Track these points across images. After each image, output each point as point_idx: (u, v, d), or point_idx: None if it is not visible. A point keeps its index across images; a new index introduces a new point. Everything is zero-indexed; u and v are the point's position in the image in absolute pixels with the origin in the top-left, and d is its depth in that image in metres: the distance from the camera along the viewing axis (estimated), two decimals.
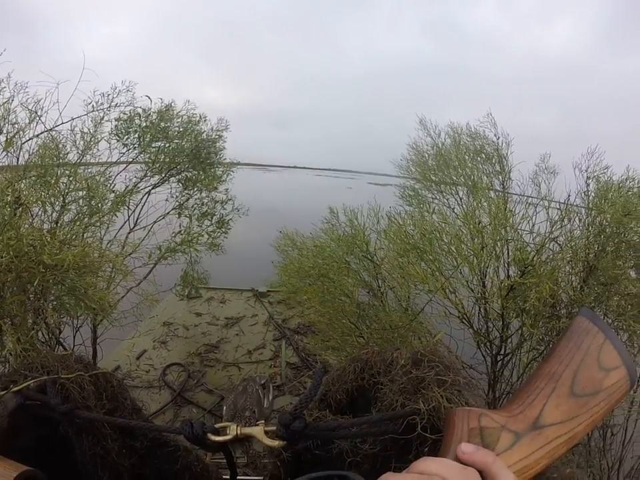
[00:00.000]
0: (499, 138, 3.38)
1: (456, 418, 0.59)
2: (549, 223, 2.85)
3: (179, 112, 4.46)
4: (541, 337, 2.99)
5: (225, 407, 3.65)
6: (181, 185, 4.73)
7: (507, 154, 3.37)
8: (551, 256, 2.84)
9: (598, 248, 2.94)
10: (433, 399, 2.02)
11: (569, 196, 3.09)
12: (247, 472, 3.03)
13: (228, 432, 1.09)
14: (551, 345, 2.52)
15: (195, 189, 4.74)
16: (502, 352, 3.10)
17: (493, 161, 3.37)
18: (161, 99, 4.33)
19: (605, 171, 3.10)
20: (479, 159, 3.38)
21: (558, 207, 3.09)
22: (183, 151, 4.40)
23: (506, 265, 2.98)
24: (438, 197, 3.34)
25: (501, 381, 3.23)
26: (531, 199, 3.29)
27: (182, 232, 4.54)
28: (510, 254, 2.95)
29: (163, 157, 4.34)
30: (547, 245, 2.82)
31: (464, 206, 3.16)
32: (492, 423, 0.58)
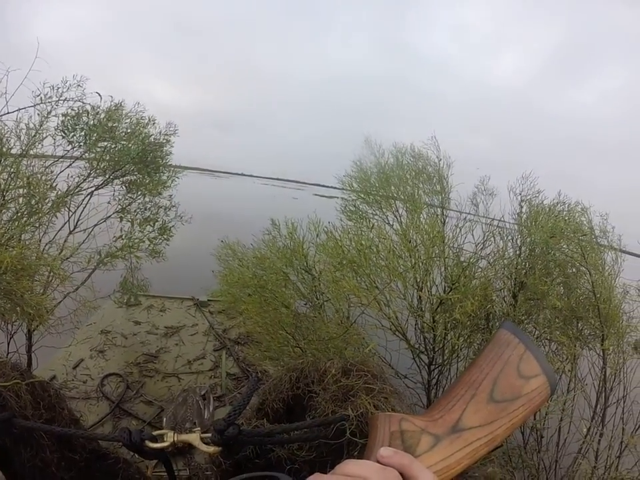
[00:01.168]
0: (440, 160, 3.55)
1: (378, 422, 0.62)
2: (476, 242, 3.02)
3: (128, 112, 4.37)
4: (477, 347, 3.17)
5: (164, 419, 3.57)
6: (124, 188, 4.61)
7: (447, 175, 3.55)
8: (481, 272, 3.02)
9: (528, 266, 3.15)
10: (361, 405, 2.11)
11: (502, 217, 3.29)
12: None
13: (165, 439, 1.10)
14: None
15: (139, 193, 4.63)
16: (434, 362, 3.24)
17: (434, 181, 3.52)
18: (111, 97, 4.23)
19: (537, 195, 3.34)
20: (420, 178, 3.52)
21: (490, 225, 3.29)
22: (129, 153, 4.27)
23: (441, 280, 3.14)
24: (378, 213, 3.44)
25: (438, 389, 3.38)
26: (468, 216, 3.46)
27: (123, 237, 4.43)
28: (444, 270, 3.11)
29: (108, 157, 4.23)
30: (475, 263, 2.98)
31: (402, 223, 3.29)
32: (412, 426, 0.61)
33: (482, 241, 3.11)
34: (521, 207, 3.31)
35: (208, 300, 6.93)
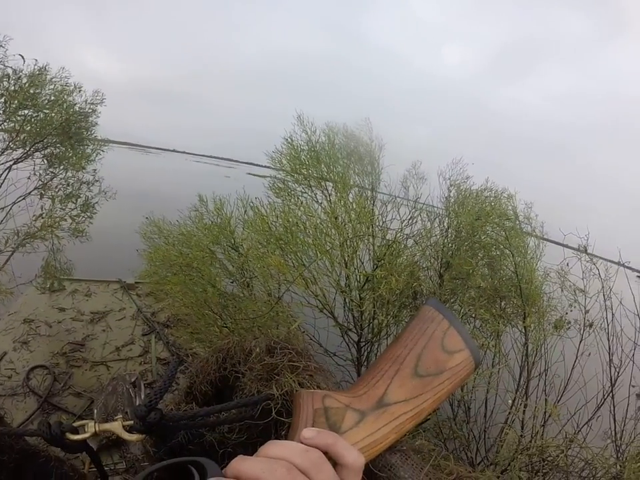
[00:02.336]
0: (372, 141, 3.58)
1: (301, 400, 0.61)
2: (401, 219, 3.07)
3: (52, 78, 4.02)
4: (405, 324, 3.22)
5: (95, 410, 3.41)
6: (45, 161, 4.30)
7: (378, 157, 3.57)
8: (408, 251, 3.09)
9: (454, 247, 3.24)
10: (285, 384, 2.08)
11: (430, 199, 3.37)
12: (127, 478, 2.89)
13: (87, 430, 1.04)
14: None
15: (61, 168, 4.34)
16: (363, 340, 3.28)
17: (365, 162, 3.54)
18: (35, 60, 3.89)
19: (466, 180, 3.43)
20: (351, 158, 3.53)
21: (417, 205, 3.36)
22: (52, 123, 3.99)
23: (369, 259, 3.18)
24: (307, 191, 3.43)
25: (367, 366, 3.43)
26: (398, 199, 3.52)
27: (43, 215, 4.20)
28: (371, 248, 3.14)
29: (29, 127, 3.92)
30: (401, 241, 3.03)
31: (330, 201, 3.29)
32: (336, 403, 0.60)
33: (408, 219, 3.17)
34: (450, 191, 3.41)
35: (135, 282, 6.65)
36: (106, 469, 2.90)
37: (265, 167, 3.93)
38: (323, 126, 3.65)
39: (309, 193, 3.41)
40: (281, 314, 2.91)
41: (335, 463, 0.51)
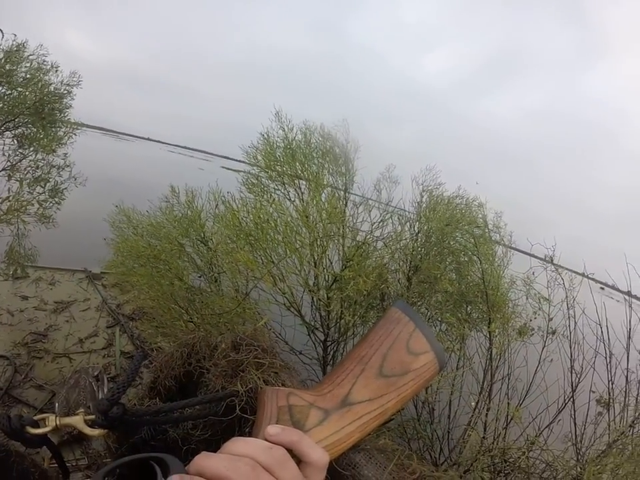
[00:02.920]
0: (348, 142, 3.59)
1: (265, 397, 0.61)
2: (372, 221, 3.10)
3: (30, 55, 3.91)
4: (371, 325, 3.25)
5: (57, 404, 3.35)
6: (16, 142, 4.19)
7: (353, 158, 3.59)
8: (377, 253, 3.13)
9: (423, 251, 3.29)
10: (250, 380, 2.07)
11: (401, 203, 3.41)
12: (89, 474, 2.83)
13: (47, 423, 1.02)
14: None
15: (32, 149, 4.22)
16: (329, 339, 3.31)
17: (339, 163, 3.55)
18: (14, 35, 3.80)
19: (438, 187, 3.49)
20: (327, 158, 3.54)
21: (388, 208, 3.40)
22: (25, 102, 3.88)
23: (338, 259, 3.20)
24: (280, 188, 3.42)
25: (333, 365, 3.46)
26: (371, 201, 3.55)
27: (10, 198, 4.09)
28: (341, 249, 3.17)
29: (0, 105, 3.82)
30: (371, 243, 3.06)
31: (303, 200, 3.30)
32: (301, 401, 0.60)
33: (378, 221, 3.21)
34: (422, 196, 3.45)
35: (101, 272, 6.54)
36: (67, 465, 2.85)
37: (240, 161, 3.91)
38: (301, 124, 3.65)
39: (282, 190, 3.40)
40: (248, 310, 2.90)
41: (299, 460, 0.52)
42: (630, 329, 3.38)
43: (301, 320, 3.13)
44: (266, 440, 0.52)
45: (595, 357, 3.34)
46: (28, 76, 3.94)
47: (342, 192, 3.49)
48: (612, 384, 3.33)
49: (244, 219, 2.97)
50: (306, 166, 3.44)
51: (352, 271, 2.83)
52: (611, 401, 3.29)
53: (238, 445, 0.50)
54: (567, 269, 3.54)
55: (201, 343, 2.52)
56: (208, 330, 2.74)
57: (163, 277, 3.14)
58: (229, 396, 1.84)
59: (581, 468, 2.65)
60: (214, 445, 1.78)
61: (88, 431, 1.09)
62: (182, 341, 2.60)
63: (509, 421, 3.21)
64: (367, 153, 3.79)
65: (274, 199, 3.31)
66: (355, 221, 3.31)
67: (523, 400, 3.37)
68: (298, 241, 2.87)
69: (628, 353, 3.35)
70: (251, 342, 2.36)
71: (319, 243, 2.96)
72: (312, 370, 3.43)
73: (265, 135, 3.58)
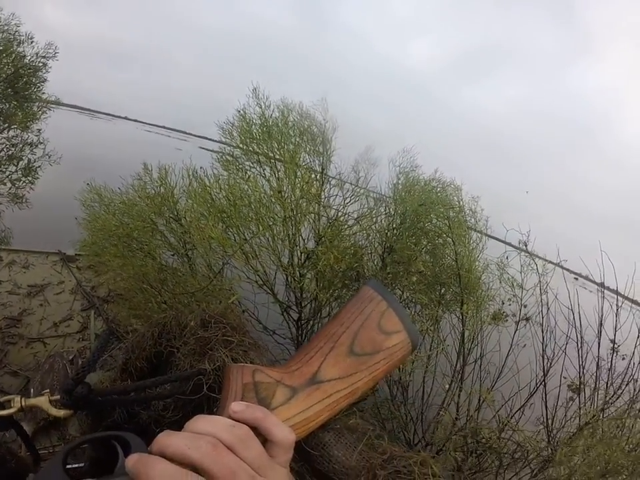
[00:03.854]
0: (327, 122, 3.55)
1: (231, 374, 0.59)
2: (343, 197, 3.11)
3: (2, 25, 3.81)
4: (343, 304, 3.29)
5: (32, 390, 3.29)
6: None
7: (331, 138, 3.56)
8: (350, 230, 3.15)
9: (398, 232, 3.31)
10: (218, 359, 2.06)
11: (371, 180, 3.44)
12: (68, 461, 2.80)
13: (12, 405, 1.00)
14: None
15: (5, 125, 4.07)
16: (303, 318, 3.33)
17: (317, 142, 3.52)
18: None
19: (415, 169, 3.51)
20: (304, 137, 3.51)
21: (356, 184, 3.43)
22: None
23: (312, 237, 3.21)
24: (255, 166, 3.39)
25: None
26: (348, 184, 3.55)
27: None
28: (315, 226, 3.17)
29: None
30: (344, 221, 3.08)
31: (278, 178, 3.28)
32: (267, 378, 0.59)
33: (351, 197, 3.23)
34: (398, 178, 3.47)
35: (75, 254, 6.35)
36: (44, 451, 2.81)
37: (218, 141, 3.86)
38: (279, 101, 3.61)
39: (257, 168, 3.37)
40: (220, 289, 2.87)
41: (264, 439, 0.50)
42: (601, 316, 3.46)
43: (274, 298, 3.12)
44: (230, 418, 0.51)
45: (567, 343, 3.42)
46: (0, 47, 3.81)
47: (319, 172, 3.48)
48: (583, 369, 3.42)
49: (216, 195, 2.92)
50: (282, 144, 3.40)
51: (324, 247, 2.83)
52: (582, 386, 3.39)
53: (201, 422, 0.49)
54: (541, 257, 3.60)
55: (172, 322, 2.49)
56: (179, 309, 2.72)
57: (135, 256, 3.10)
58: (196, 374, 1.83)
59: (552, 449, 2.71)
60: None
61: (54, 411, 1.08)
62: (153, 320, 2.57)
63: (481, 402, 3.28)
64: (346, 134, 3.78)
65: (249, 176, 3.27)
66: (331, 200, 3.31)
67: (495, 382, 3.44)
68: (271, 218, 2.85)
69: (599, 340, 3.44)
70: (220, 319, 2.34)
71: (292, 220, 2.94)
72: (286, 349, 3.44)
73: (242, 112, 3.52)
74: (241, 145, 3.31)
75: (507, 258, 3.52)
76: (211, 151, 3.69)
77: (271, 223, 2.81)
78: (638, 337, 3.38)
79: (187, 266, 3.10)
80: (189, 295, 2.85)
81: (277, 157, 3.38)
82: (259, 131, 3.37)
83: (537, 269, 3.41)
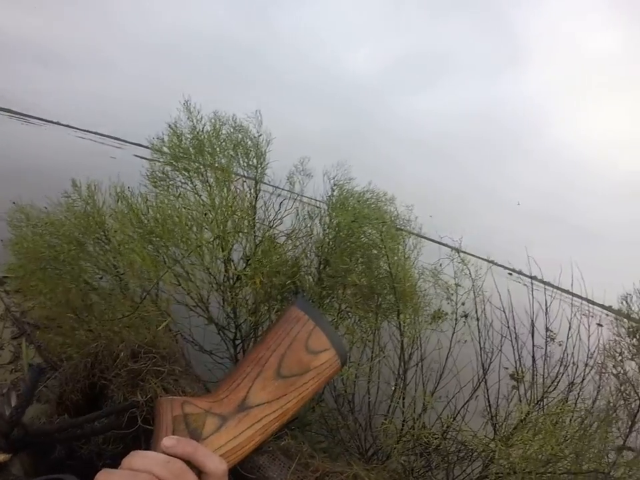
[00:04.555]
0: (260, 135, 3.54)
1: (161, 408, 0.59)
2: (274, 216, 3.15)
3: None
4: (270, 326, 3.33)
5: None
6: None
7: (265, 151, 3.55)
8: (284, 248, 3.18)
9: (333, 245, 3.37)
10: (150, 390, 2.05)
11: (306, 192, 3.47)
12: None
13: None
14: None
15: None
16: (239, 337, 3.35)
17: (251, 155, 3.51)
18: None
19: (349, 181, 3.58)
20: (237, 150, 3.47)
21: (294, 198, 3.46)
22: None
23: (243, 256, 3.22)
24: (187, 182, 3.35)
25: None
26: (283, 193, 3.57)
27: None
28: (247, 245, 3.18)
29: None
30: (276, 239, 3.11)
31: (211, 194, 3.25)
32: (196, 409, 0.60)
33: (283, 215, 3.27)
34: (333, 191, 3.52)
35: (3, 277, 5.92)
36: None
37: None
38: (211, 114, 3.56)
39: (189, 184, 3.33)
40: (152, 312, 2.83)
41: (199, 470, 0.52)
42: (532, 307, 3.65)
43: (207, 319, 3.11)
44: (163, 453, 0.52)
45: (504, 336, 3.59)
46: None
47: (252, 187, 3.48)
48: (519, 362, 3.60)
49: (145, 215, 2.86)
50: (215, 158, 3.37)
51: (251, 270, 2.84)
52: (521, 377, 3.56)
53: (136, 459, 0.50)
54: (475, 255, 3.75)
55: (104, 352, 2.44)
56: (110, 337, 2.65)
57: (62, 280, 2.99)
58: (129, 407, 1.83)
59: (495, 444, 2.83)
60: None
61: None
62: (85, 350, 2.51)
63: (425, 406, 3.38)
64: (282, 144, 3.79)
65: (179, 194, 3.23)
66: (266, 216, 3.33)
67: (438, 383, 3.56)
68: (202, 238, 2.83)
69: (533, 335, 3.62)
70: (149, 349, 2.32)
71: (224, 239, 2.93)
72: (225, 369, 3.44)
73: (173, 126, 3.46)
74: (172, 162, 3.25)
75: (440, 265, 3.64)
76: (147, 159, 3.61)
77: (200, 244, 2.78)
78: (570, 324, 3.61)
79: (118, 289, 3.01)
80: (117, 321, 2.78)
81: (209, 172, 3.36)
82: (190, 144, 3.33)
83: (470, 273, 3.54)
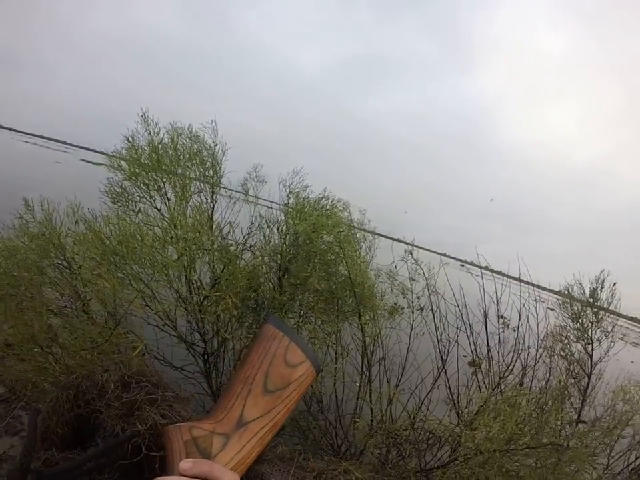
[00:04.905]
0: (216, 145, 3.61)
1: (171, 436, 0.66)
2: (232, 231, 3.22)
3: None
4: (249, 326, 3.57)
5: None
6: None
7: (221, 161, 3.63)
8: (247, 262, 3.27)
9: (292, 253, 3.48)
10: (148, 418, 2.12)
11: (261, 197, 3.55)
12: None
13: None
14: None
15: None
16: (207, 351, 3.45)
17: (207, 165, 3.57)
18: None
19: (305, 188, 3.68)
20: (194, 161, 3.52)
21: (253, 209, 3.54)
22: None
23: (207, 272, 3.28)
24: (146, 197, 3.34)
25: (217, 374, 3.65)
26: (239, 200, 3.66)
27: None
28: (210, 262, 3.25)
29: None
30: (240, 255, 3.18)
31: (170, 208, 3.26)
32: (202, 432, 0.66)
33: (247, 232, 3.34)
34: (289, 199, 3.62)
35: None
36: None
37: (100, 152, 3.73)
38: (168, 125, 3.55)
39: (148, 199, 3.33)
40: (122, 336, 2.81)
41: None
42: (484, 303, 3.88)
43: (177, 337, 3.16)
44: (182, 475, 0.58)
45: (458, 331, 3.82)
46: None
47: (209, 196, 3.53)
48: (475, 351, 3.84)
49: (107, 237, 2.84)
50: (173, 170, 3.38)
51: (220, 291, 2.91)
52: (479, 365, 3.80)
53: None
54: (429, 250, 3.96)
55: (86, 382, 2.45)
56: (85, 366, 2.61)
57: (24, 311, 2.86)
58: (132, 437, 1.90)
59: (461, 429, 3.03)
60: None
61: None
62: (64, 382, 2.49)
63: (390, 399, 3.57)
64: (238, 149, 3.84)
65: (139, 209, 3.24)
66: (221, 229, 3.39)
67: (401, 377, 3.75)
68: (166, 258, 2.85)
69: (486, 326, 3.86)
70: (140, 379, 2.38)
71: (187, 257, 2.97)
72: (197, 383, 3.56)
73: (130, 139, 3.42)
74: (131, 177, 3.23)
75: (395, 267, 3.82)
76: (94, 163, 3.56)
77: (166, 263, 2.81)
78: (519, 313, 3.87)
79: (85, 316, 2.98)
80: (89, 350, 2.73)
81: (167, 185, 3.38)
82: (148, 158, 3.31)
83: (424, 272, 3.75)
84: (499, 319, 3.94)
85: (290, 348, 0.77)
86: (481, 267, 4.30)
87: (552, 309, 4.21)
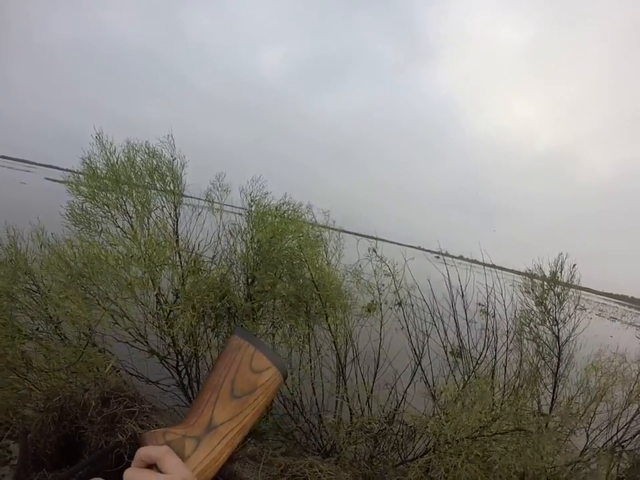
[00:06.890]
0: (175, 159, 3.77)
1: (147, 441, 0.75)
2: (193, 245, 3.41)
3: None
4: (224, 335, 3.74)
5: None
6: None
7: (180, 174, 3.80)
8: (213, 273, 3.46)
9: (257, 260, 3.68)
10: (128, 429, 2.36)
11: (225, 205, 3.73)
12: None
13: None
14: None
15: None
16: (180, 364, 3.64)
17: (167, 180, 3.74)
18: None
19: (266, 195, 3.89)
20: (154, 177, 3.70)
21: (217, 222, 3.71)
22: None
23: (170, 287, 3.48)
24: (108, 216, 3.51)
25: (193, 385, 3.83)
26: (204, 210, 3.84)
27: None
28: (175, 276, 3.44)
29: None
30: (203, 267, 3.38)
31: (132, 226, 3.40)
32: (175, 436, 0.75)
33: (208, 244, 3.52)
34: (251, 207, 3.82)
35: None
36: None
37: (65, 169, 3.83)
38: (124, 143, 3.67)
39: (110, 218, 3.48)
40: (94, 355, 3.00)
41: None
42: (452, 296, 4.12)
43: (148, 352, 3.35)
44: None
45: (430, 328, 4.05)
46: None
47: (172, 210, 3.72)
48: (443, 341, 4.07)
49: (72, 260, 3.01)
50: (132, 187, 3.53)
51: (182, 303, 3.10)
52: (457, 354, 4.03)
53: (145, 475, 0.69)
54: (404, 244, 4.19)
55: (69, 403, 2.64)
56: (72, 390, 2.76)
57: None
58: (114, 448, 2.15)
59: (434, 421, 3.24)
60: None
61: None
62: (48, 405, 2.67)
63: (366, 399, 3.79)
64: (199, 157, 4.01)
65: (101, 229, 3.41)
66: (187, 242, 3.58)
67: (376, 374, 3.96)
68: (130, 275, 3.03)
69: (455, 319, 4.11)
70: (118, 394, 2.60)
71: (152, 273, 3.15)
72: (175, 395, 3.76)
73: (87, 161, 3.56)
74: (91, 199, 3.39)
75: (360, 266, 4.04)
76: (58, 181, 3.68)
77: (131, 281, 2.99)
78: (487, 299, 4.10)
79: (57, 338, 3.15)
80: (63, 371, 2.92)
81: (127, 202, 3.54)
82: (107, 177, 3.45)
83: (390, 270, 3.97)
84: (465, 308, 4.16)
85: (255, 356, 0.85)
86: (456, 257, 4.53)
87: (528, 292, 4.43)
